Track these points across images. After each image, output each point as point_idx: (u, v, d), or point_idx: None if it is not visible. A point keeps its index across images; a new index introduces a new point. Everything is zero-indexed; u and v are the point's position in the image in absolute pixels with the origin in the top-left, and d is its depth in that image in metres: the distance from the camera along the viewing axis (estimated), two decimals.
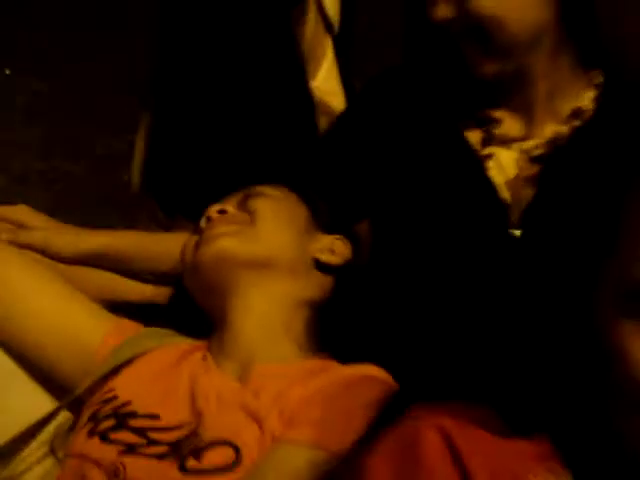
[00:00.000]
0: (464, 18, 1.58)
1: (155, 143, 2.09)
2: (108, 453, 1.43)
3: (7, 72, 4.99)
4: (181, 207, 2.00)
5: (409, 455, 1.03)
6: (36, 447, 1.65)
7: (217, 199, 1.68)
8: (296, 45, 2.03)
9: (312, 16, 2.06)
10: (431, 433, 1.01)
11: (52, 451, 1.59)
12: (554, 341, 1.05)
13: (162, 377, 1.53)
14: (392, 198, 1.73)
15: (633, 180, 0.98)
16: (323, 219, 1.68)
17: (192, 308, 1.70)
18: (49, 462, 1.62)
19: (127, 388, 1.52)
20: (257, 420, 1.40)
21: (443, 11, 1.56)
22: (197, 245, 1.62)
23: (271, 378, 1.46)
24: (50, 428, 1.64)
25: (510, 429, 1.00)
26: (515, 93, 1.65)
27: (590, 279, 1.00)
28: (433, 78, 1.75)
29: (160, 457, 1.40)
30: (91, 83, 4.56)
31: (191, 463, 1.38)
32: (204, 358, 1.54)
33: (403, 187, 1.71)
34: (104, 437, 1.46)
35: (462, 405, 1.03)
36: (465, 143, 1.73)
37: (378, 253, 1.76)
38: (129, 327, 1.64)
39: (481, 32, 1.61)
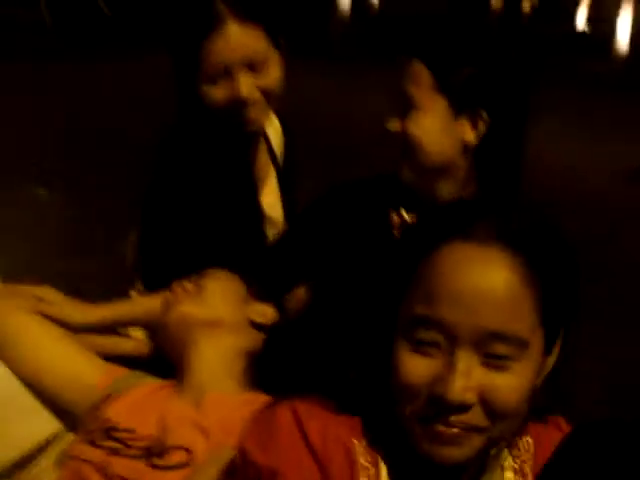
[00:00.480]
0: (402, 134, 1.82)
1: (142, 243, 2.26)
2: (98, 455, 1.67)
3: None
4: (155, 284, 2.12)
5: (268, 426, 1.28)
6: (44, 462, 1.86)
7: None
8: (250, 172, 2.23)
9: (262, 149, 2.28)
10: (285, 412, 1.27)
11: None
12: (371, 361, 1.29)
13: (139, 404, 1.76)
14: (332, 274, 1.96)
15: (429, 245, 1.19)
16: (256, 291, 1.94)
17: (160, 359, 1.94)
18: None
19: (112, 411, 1.75)
20: (205, 433, 1.64)
21: None
22: (165, 308, 1.89)
23: (217, 405, 1.69)
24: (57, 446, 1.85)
25: (341, 411, 1.27)
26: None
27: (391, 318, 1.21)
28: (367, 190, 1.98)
29: (135, 457, 1.65)
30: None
31: (157, 461, 1.63)
32: (169, 391, 1.78)
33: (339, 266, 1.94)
34: (94, 444, 1.70)
35: (313, 397, 1.29)
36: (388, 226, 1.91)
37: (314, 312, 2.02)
38: (117, 370, 1.87)
39: (408, 147, 1.82)
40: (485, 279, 1.14)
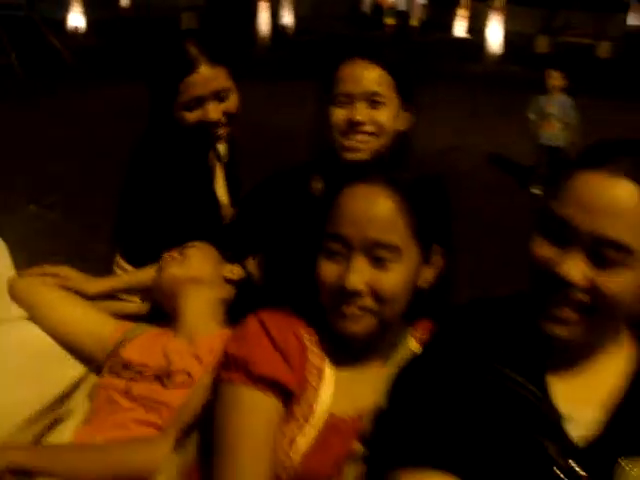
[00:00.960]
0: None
1: (120, 225, 2.34)
2: (121, 383, 1.80)
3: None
4: (135, 257, 2.26)
5: (241, 330, 1.45)
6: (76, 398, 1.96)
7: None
8: (208, 170, 2.36)
9: (212, 153, 2.39)
10: (252, 318, 1.45)
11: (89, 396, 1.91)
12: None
13: (146, 345, 1.88)
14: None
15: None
16: (227, 257, 2.07)
17: (156, 315, 2.06)
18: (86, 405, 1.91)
19: (127, 352, 1.86)
20: (198, 359, 1.78)
21: None
22: (159, 273, 2.02)
23: (205, 339, 1.83)
24: (86, 385, 1.97)
25: (292, 314, 1.46)
26: None
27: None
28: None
29: (149, 381, 1.79)
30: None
31: (166, 382, 1.77)
32: (168, 334, 1.90)
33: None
34: (118, 375, 1.82)
35: (272, 308, 1.47)
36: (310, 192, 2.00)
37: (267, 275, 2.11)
38: (126, 324, 1.98)
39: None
40: (371, 206, 1.39)
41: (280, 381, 1.37)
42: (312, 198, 1.99)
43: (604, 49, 21.49)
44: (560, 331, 1.25)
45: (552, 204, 1.26)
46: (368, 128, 1.94)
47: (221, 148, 2.47)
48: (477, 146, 8.69)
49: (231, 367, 1.41)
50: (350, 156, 1.91)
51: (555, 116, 7.20)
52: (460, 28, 24.11)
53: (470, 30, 23.24)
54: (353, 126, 1.94)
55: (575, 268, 1.21)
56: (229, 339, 1.46)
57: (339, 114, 1.95)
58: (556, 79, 7.30)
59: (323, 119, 1.98)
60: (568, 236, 1.22)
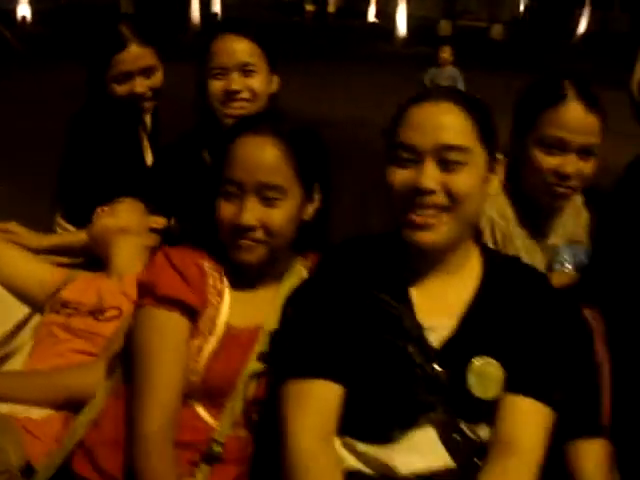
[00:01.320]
0: None
1: (62, 185, 2.35)
2: (60, 318, 1.82)
3: None
4: (75, 218, 2.26)
5: (149, 263, 1.53)
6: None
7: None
8: (138, 138, 2.37)
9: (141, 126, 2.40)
10: (160, 252, 1.51)
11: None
12: None
13: (82, 286, 1.89)
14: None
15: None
16: (151, 209, 2.08)
17: (94, 258, 2.05)
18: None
19: (65, 293, 1.87)
20: (127, 296, 1.80)
21: None
22: (92, 224, 2.03)
23: (132, 279, 1.79)
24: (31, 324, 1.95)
25: (194, 248, 1.50)
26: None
27: None
28: None
29: (85, 316, 1.81)
30: None
31: (99, 317, 1.80)
32: (101, 277, 1.93)
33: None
34: (57, 312, 1.84)
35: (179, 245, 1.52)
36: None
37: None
38: (66, 270, 1.99)
39: None
40: (259, 153, 1.45)
41: (183, 300, 1.43)
42: (204, 165, 2.01)
43: (497, 31, 21.85)
44: (428, 237, 1.32)
45: (398, 133, 1.35)
46: (244, 95, 1.99)
47: (147, 119, 2.48)
48: (375, 119, 8.73)
49: (142, 294, 1.47)
50: (231, 122, 1.89)
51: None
52: (372, 13, 24.12)
53: (381, 15, 23.26)
54: (230, 95, 1.99)
55: (430, 177, 1.30)
56: (141, 272, 1.52)
57: (217, 85, 2.00)
58: (446, 52, 7.51)
59: (203, 91, 2.01)
60: (417, 157, 1.32)
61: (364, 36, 18.63)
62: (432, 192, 1.30)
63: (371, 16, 24.33)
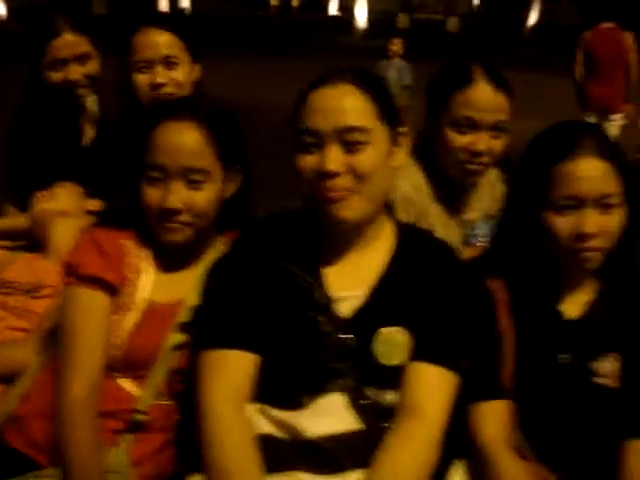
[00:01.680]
0: None
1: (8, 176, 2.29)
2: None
3: None
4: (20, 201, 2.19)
5: (76, 242, 1.50)
6: None
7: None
8: (77, 122, 2.31)
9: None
10: (85, 232, 1.50)
11: None
12: None
13: (21, 267, 1.85)
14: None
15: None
16: (89, 193, 2.07)
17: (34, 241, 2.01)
18: None
19: (6, 274, 1.83)
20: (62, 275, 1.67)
21: None
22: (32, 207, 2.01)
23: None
24: None
25: (121, 230, 1.49)
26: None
27: None
28: None
29: (22, 294, 1.79)
30: None
31: (35, 295, 1.78)
32: (39, 258, 1.89)
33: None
34: None
35: (108, 226, 1.50)
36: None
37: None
38: (5, 252, 1.94)
39: None
40: (181, 138, 1.43)
41: (102, 277, 1.43)
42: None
43: (453, 24, 21.90)
44: (342, 212, 1.31)
45: (301, 119, 1.33)
46: (169, 89, 1.96)
47: (91, 104, 2.40)
48: None
49: (67, 273, 1.46)
50: None
51: (393, 80, 7.13)
52: (333, 7, 24.05)
53: (342, 8, 23.20)
54: (155, 88, 1.95)
55: (333, 161, 1.28)
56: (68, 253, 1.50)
57: (142, 79, 1.96)
58: (396, 45, 7.35)
59: (129, 84, 1.98)
60: (320, 141, 1.30)
61: (326, 29, 18.58)
62: (337, 174, 1.28)
63: (333, 9, 24.24)
